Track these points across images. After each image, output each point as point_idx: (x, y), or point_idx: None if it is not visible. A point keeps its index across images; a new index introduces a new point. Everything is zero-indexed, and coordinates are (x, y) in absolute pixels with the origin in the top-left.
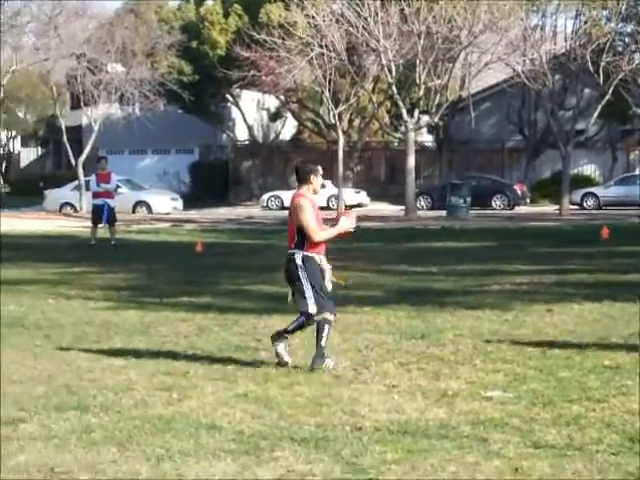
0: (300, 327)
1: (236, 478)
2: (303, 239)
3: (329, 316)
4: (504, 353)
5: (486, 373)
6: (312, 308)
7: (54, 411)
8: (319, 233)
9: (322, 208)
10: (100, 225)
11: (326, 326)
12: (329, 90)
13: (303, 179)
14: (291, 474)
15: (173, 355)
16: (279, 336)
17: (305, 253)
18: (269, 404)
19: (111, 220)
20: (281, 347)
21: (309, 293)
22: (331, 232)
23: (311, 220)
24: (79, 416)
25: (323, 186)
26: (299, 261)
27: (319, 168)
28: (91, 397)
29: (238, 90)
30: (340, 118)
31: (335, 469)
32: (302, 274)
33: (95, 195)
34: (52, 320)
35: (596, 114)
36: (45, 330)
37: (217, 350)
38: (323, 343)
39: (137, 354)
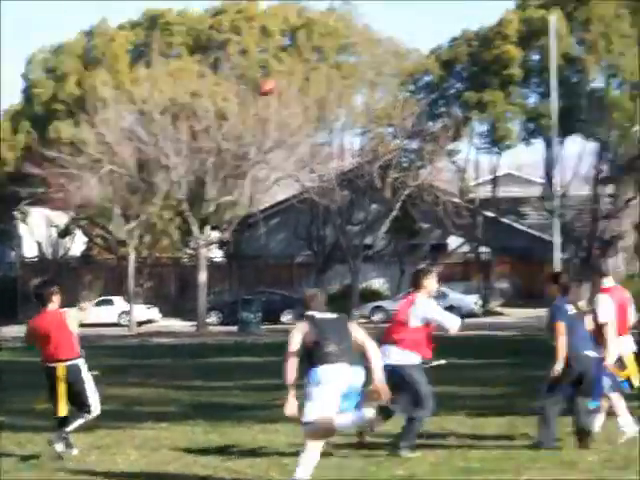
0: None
1: None
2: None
3: None
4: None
5: None
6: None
7: None
8: None
9: (113, 325)
10: None
11: None
12: (119, 207)
13: None
14: None
15: None
16: None
17: None
18: None
19: None
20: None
21: None
22: None
23: None
24: None
25: (111, 302)
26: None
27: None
28: None
29: (26, 207)
30: (130, 234)
31: None
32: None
33: None
34: None
35: (384, 229)
36: None
37: None
38: None
39: None
